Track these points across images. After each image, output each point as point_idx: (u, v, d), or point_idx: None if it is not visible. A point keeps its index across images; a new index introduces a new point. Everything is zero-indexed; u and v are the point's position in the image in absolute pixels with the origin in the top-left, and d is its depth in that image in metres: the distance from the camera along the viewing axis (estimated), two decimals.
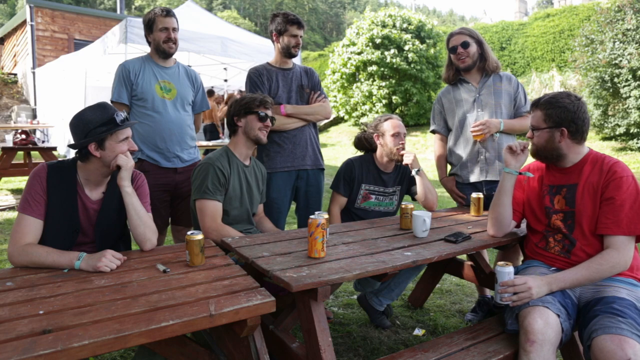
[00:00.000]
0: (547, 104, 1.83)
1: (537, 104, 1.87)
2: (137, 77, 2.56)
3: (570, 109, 1.79)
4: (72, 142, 1.72)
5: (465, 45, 2.57)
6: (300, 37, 2.63)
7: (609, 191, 1.72)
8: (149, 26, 2.57)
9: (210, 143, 7.18)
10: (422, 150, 12.38)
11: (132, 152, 1.79)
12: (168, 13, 2.57)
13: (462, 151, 2.70)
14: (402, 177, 2.69)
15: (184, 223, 2.77)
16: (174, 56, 2.69)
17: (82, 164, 1.75)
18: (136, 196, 1.80)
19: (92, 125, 1.68)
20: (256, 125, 2.25)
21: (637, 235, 1.69)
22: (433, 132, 2.88)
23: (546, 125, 1.82)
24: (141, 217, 1.78)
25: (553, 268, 1.85)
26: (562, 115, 1.79)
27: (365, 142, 2.68)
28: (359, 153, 2.77)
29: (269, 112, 2.29)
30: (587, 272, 1.69)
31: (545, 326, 1.54)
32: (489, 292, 2.73)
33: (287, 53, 2.63)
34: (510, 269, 1.70)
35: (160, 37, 2.55)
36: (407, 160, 2.52)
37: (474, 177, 2.67)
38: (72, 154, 1.79)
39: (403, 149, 2.53)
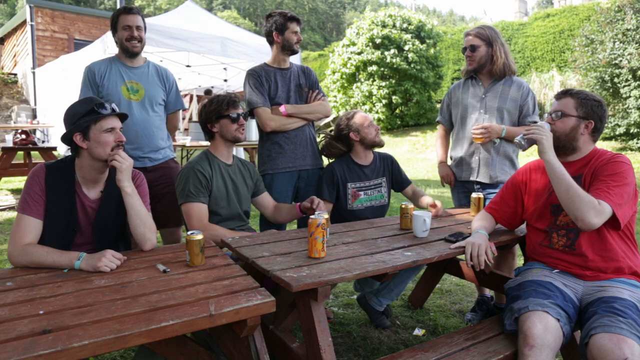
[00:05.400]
0: (580, 94, 1.85)
1: (568, 92, 1.88)
2: (103, 79, 2.52)
3: (603, 107, 1.84)
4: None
5: (472, 48, 2.56)
6: (299, 32, 2.64)
7: (601, 170, 1.77)
8: (113, 25, 2.52)
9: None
10: (422, 150, 12.38)
11: (120, 143, 1.76)
12: (130, 11, 2.52)
13: (460, 149, 2.72)
14: (384, 169, 2.71)
15: (171, 224, 2.68)
16: (144, 55, 2.64)
17: (78, 161, 1.75)
18: (137, 196, 1.79)
19: (77, 117, 1.70)
20: (231, 127, 2.25)
21: (613, 214, 1.68)
22: (438, 122, 2.92)
23: (576, 114, 1.83)
24: (141, 217, 1.78)
25: (556, 270, 1.85)
26: (594, 108, 1.82)
27: (339, 145, 2.66)
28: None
29: (240, 111, 2.27)
30: (571, 180, 1.71)
31: (545, 331, 1.54)
32: (488, 292, 2.74)
33: (290, 50, 2.63)
34: (547, 124, 1.84)
35: (123, 35, 2.50)
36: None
37: (466, 176, 2.69)
38: (67, 151, 1.80)
39: (379, 134, 2.61)
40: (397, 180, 2.75)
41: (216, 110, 2.24)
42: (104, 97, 2.50)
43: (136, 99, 2.55)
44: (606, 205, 1.67)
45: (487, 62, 2.58)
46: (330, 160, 2.73)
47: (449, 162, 2.88)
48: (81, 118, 1.70)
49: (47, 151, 6.15)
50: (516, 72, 2.64)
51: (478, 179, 2.64)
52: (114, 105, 1.77)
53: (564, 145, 1.86)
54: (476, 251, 1.85)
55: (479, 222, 2.07)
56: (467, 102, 2.67)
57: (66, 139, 1.72)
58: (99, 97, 2.51)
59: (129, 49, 2.52)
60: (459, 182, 2.77)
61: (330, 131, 2.75)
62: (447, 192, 6.95)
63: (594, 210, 1.65)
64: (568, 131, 1.84)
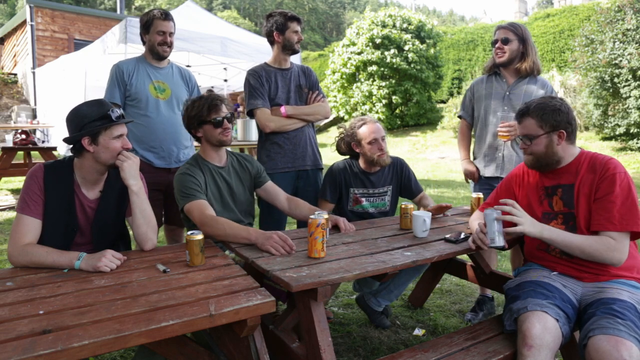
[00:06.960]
0: (538, 110, 1.78)
1: (526, 112, 1.81)
2: (131, 78, 2.57)
3: (563, 110, 1.78)
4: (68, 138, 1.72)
5: (505, 41, 2.56)
6: (300, 32, 2.64)
7: (602, 188, 1.72)
8: (146, 27, 2.59)
9: None
10: (422, 150, 12.39)
11: (127, 151, 1.78)
12: (167, 16, 2.59)
13: (483, 144, 2.70)
14: (392, 176, 2.63)
15: (178, 223, 2.78)
16: (168, 56, 2.70)
17: (78, 162, 1.75)
18: (144, 195, 1.79)
19: (87, 120, 1.68)
20: (215, 132, 2.10)
21: (631, 232, 1.68)
22: (460, 117, 2.89)
23: (543, 132, 1.78)
24: (146, 217, 1.78)
25: (555, 272, 1.85)
26: (557, 117, 1.77)
27: (345, 148, 2.63)
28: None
29: (223, 113, 2.11)
30: (581, 239, 1.69)
31: (544, 331, 1.54)
32: (489, 292, 2.74)
33: (291, 49, 2.63)
34: (497, 212, 1.74)
35: (156, 40, 2.58)
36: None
37: (489, 172, 2.67)
38: (68, 151, 1.80)
39: (384, 154, 2.47)
40: (406, 187, 2.64)
41: (197, 116, 2.10)
42: (132, 95, 2.57)
43: (163, 97, 2.63)
44: (620, 234, 1.67)
45: (517, 57, 2.57)
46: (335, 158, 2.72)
47: (471, 157, 2.84)
48: (92, 122, 1.68)
49: (47, 151, 6.15)
50: (541, 72, 2.63)
51: (502, 175, 2.62)
52: (121, 111, 1.78)
53: (547, 163, 1.84)
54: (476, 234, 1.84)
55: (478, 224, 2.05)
56: (490, 98, 2.65)
57: (72, 141, 1.71)
58: (125, 95, 2.58)
59: (160, 52, 2.61)
60: (482, 178, 2.73)
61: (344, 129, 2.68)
62: (447, 192, 6.95)
63: (614, 252, 1.65)
64: (544, 150, 1.80)
